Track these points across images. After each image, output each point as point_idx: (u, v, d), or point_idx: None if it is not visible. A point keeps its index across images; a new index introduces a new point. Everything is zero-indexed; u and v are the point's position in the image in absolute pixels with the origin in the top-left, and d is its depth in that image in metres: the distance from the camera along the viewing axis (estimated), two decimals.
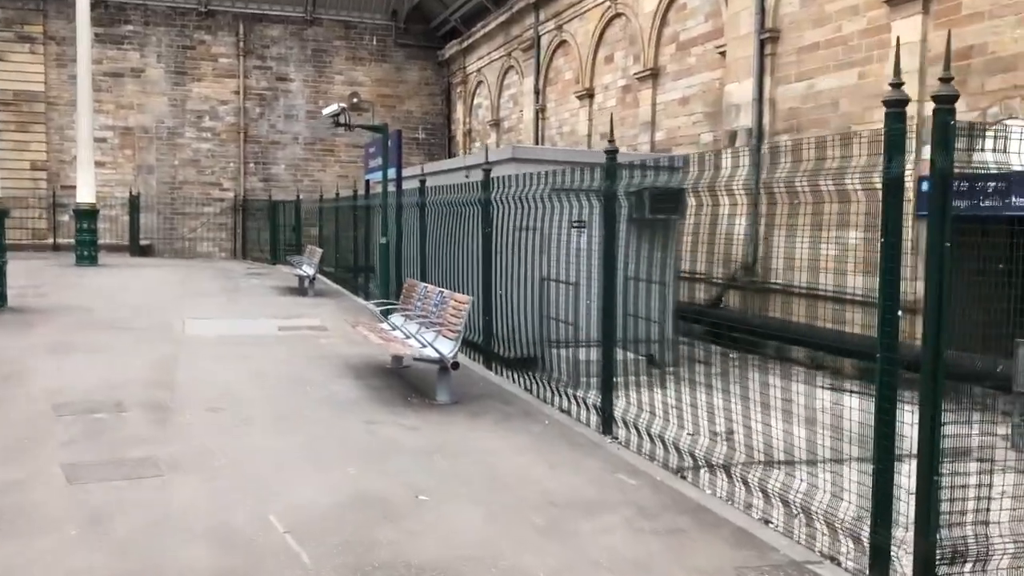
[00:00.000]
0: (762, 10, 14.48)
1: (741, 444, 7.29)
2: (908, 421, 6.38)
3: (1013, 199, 10.06)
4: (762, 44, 14.53)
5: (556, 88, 23.93)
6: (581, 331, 10.87)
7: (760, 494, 5.94)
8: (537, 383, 8.80)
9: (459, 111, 32.43)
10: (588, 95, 21.62)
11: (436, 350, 7.51)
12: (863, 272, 12.02)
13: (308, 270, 19.00)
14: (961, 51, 10.82)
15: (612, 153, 6.38)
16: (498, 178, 9.45)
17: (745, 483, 5.95)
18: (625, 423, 7.09)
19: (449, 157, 31.28)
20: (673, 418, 7.60)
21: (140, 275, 22.63)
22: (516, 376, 9.19)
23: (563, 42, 23.21)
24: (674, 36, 17.80)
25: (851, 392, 9.82)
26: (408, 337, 8.44)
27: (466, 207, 10.11)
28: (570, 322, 10.57)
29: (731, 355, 13.74)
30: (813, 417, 7.63)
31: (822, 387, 9.83)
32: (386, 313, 10.11)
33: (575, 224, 11.17)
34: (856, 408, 7.86)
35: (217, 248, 31.74)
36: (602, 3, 20.71)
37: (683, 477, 6.21)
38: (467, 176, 12.72)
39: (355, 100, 16.53)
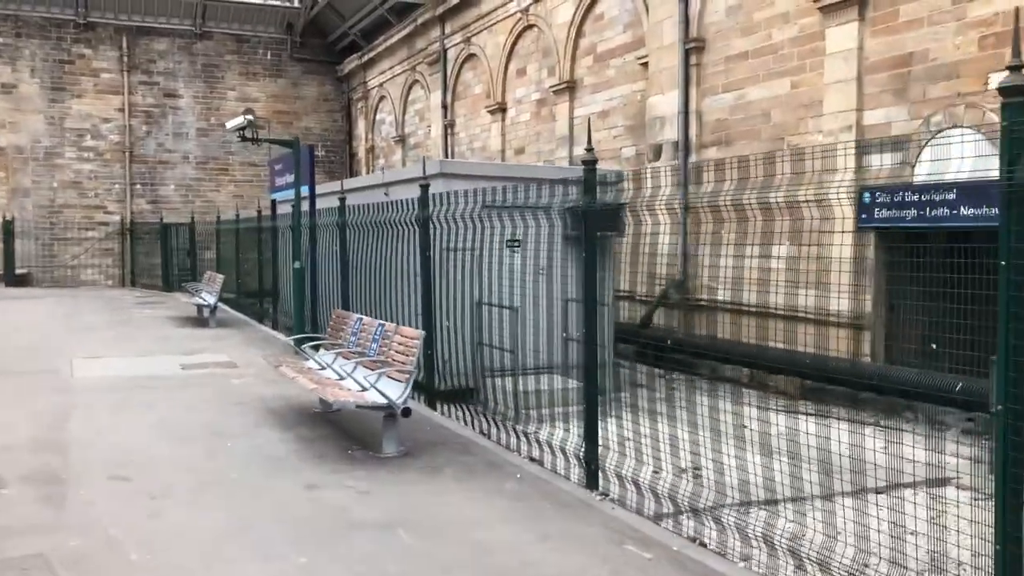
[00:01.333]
0: (686, 19, 14.07)
1: (731, 486, 6.62)
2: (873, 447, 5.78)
3: (962, 210, 9.79)
4: (687, 54, 14.12)
5: (465, 103, 23.17)
6: (523, 357, 10.10)
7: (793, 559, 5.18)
8: (495, 425, 7.92)
9: (361, 127, 31.31)
10: (500, 109, 20.94)
11: (382, 394, 6.52)
12: (814, 288, 11.64)
13: (209, 298, 17.61)
14: (901, 58, 10.56)
15: (592, 164, 5.62)
16: (436, 195, 8.57)
17: (770, 544, 5.18)
18: (617, 475, 6.25)
19: (351, 176, 30.12)
20: (648, 456, 6.87)
21: (17, 308, 20.69)
22: (467, 417, 8.29)
23: (472, 55, 22.48)
24: (591, 48, 17.29)
25: (812, 416, 9.34)
26: (343, 378, 7.43)
27: (399, 227, 9.18)
28: (510, 349, 9.78)
29: (670, 376, 13.21)
30: (797, 450, 7.02)
31: (802, 415, 9.31)
32: (312, 347, 9.06)
33: (509, 243, 10.40)
34: (843, 441, 7.32)
35: (103, 276, 29.64)
36: (513, 15, 20.09)
37: (703, 544, 5.37)
38: (386, 194, 11.79)
39: (249, 117, 15.33)
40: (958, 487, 7.40)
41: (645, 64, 15.28)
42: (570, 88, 17.81)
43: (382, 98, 29.26)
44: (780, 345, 11.98)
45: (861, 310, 11.12)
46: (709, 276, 13.70)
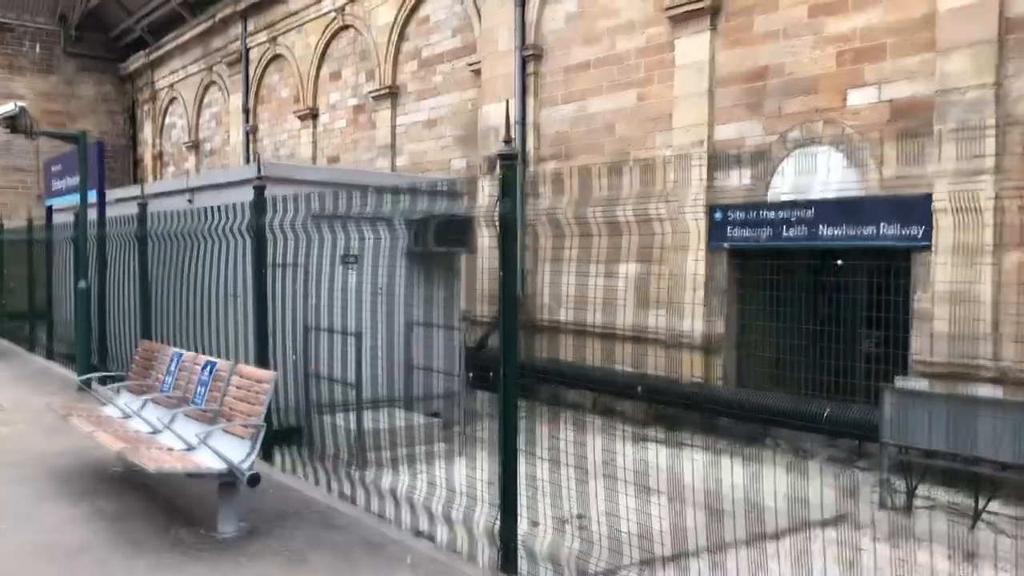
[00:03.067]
0: (523, 25, 13.31)
1: (628, 538, 5.71)
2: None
3: (821, 229, 9.53)
4: (524, 62, 13.35)
5: (270, 107, 21.36)
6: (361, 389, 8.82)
7: None
8: (354, 483, 6.57)
9: (147, 132, 28.48)
10: (311, 115, 19.38)
11: (220, 456, 5.03)
12: (664, 308, 11.10)
13: None
14: (755, 71, 10.24)
15: (511, 159, 4.52)
16: (273, 199, 7.15)
17: None
18: (529, 552, 5.12)
19: (135, 183, 27.23)
20: (523, 507, 5.84)
21: None
22: (322, 475, 6.87)
23: (278, 56, 20.75)
24: (415, 52, 16.20)
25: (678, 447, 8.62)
26: (158, 431, 5.86)
27: (222, 239, 7.65)
28: (350, 382, 8.48)
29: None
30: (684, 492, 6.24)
31: (666, 446, 8.53)
32: (110, 387, 7.31)
33: (345, 259, 9.11)
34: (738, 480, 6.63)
35: None
36: (326, 14, 18.64)
37: None
38: (190, 200, 10.13)
39: (21, 104, 12.95)
40: (855, 525, 6.92)
41: (477, 71, 14.39)
42: (392, 94, 16.62)
43: (173, 100, 26.70)
44: (629, 368, 11.38)
45: (713, 332, 10.69)
46: (550, 295, 12.94)
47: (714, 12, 10.62)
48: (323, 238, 8.38)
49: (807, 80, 9.72)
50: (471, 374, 9.34)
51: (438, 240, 9.50)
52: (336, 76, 18.64)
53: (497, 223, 4.55)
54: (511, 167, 4.59)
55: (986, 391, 7.99)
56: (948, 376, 8.33)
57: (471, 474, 7.75)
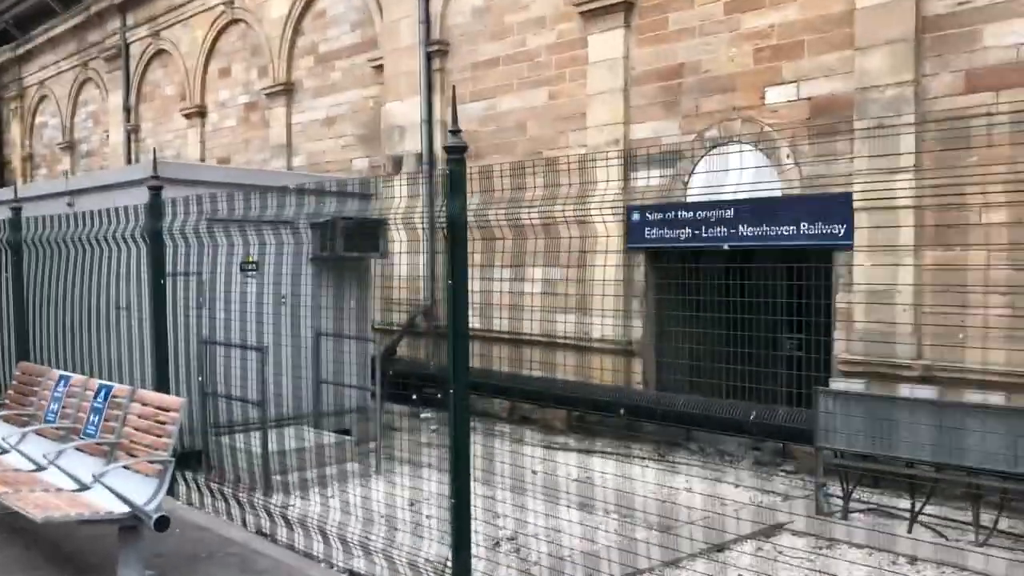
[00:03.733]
0: (427, 19, 12.81)
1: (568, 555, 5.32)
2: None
3: (741, 229, 9.39)
4: (429, 58, 12.86)
5: (154, 105, 20.15)
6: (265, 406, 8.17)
7: None
8: (279, 522, 5.94)
9: (15, 132, 26.57)
10: (199, 113, 18.34)
11: (119, 496, 4.33)
12: (574, 311, 10.77)
13: None
14: (671, 69, 10.04)
15: (459, 151, 4.01)
16: (173, 201, 6.44)
17: None
18: None
19: (2, 187, 25.35)
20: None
21: None
22: (236, 508, 6.20)
23: (162, 51, 19.58)
24: (312, 47, 15.46)
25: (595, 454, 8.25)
26: (42, 468, 5.09)
27: (110, 247, 6.87)
28: (254, 400, 7.83)
29: (423, 414, 11.78)
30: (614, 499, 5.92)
31: (582, 453, 8.12)
32: None
33: (244, 267, 8.46)
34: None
35: None
36: (214, 8, 17.65)
37: None
38: (70, 204, 9.24)
39: None
40: (793, 534, 6.73)
41: (379, 67, 13.80)
42: (287, 91, 15.83)
43: (44, 98, 24.98)
44: (543, 374, 11.02)
45: (631, 335, 10.44)
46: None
47: (627, 8, 10.38)
48: (220, 244, 7.71)
49: (724, 78, 9.57)
50: (379, 389, 8.78)
51: (348, 244, 8.91)
52: (226, 72, 17.68)
53: (444, 224, 4.08)
54: (459, 161, 4.13)
55: (907, 390, 7.99)
56: (871, 375, 8.28)
57: (391, 498, 7.26)
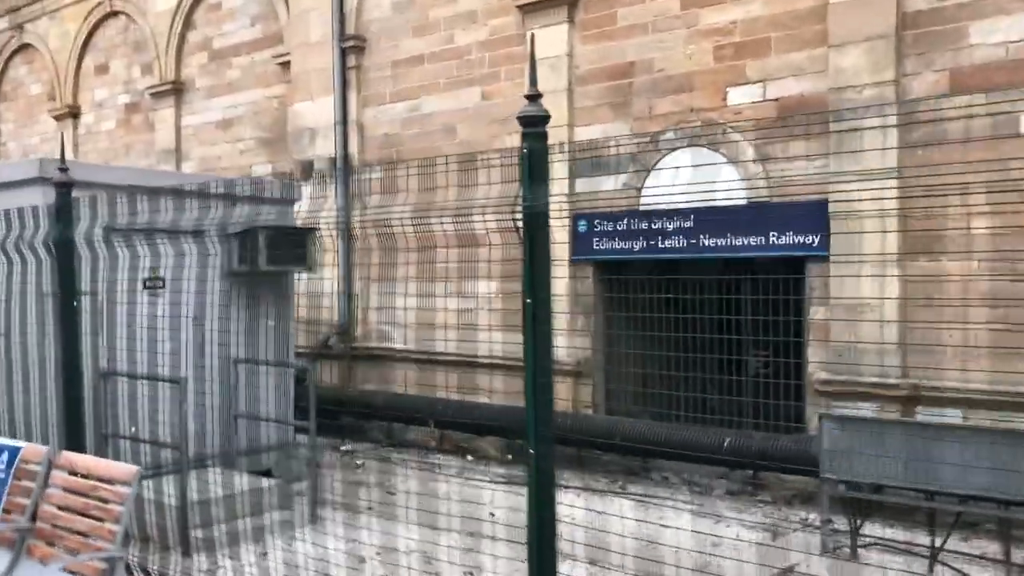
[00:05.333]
0: (341, 13, 11.69)
1: None
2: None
3: (702, 239, 8.70)
4: (344, 54, 11.73)
5: (17, 105, 18.12)
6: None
7: None
8: None
9: None
10: (71, 114, 16.52)
11: None
12: (501, 330, 9.82)
13: None
14: (621, 68, 9.30)
15: (537, 121, 3.00)
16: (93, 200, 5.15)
17: None
18: None
19: None
20: None
21: None
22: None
23: (26, 46, 17.61)
24: (205, 42, 14.04)
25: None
26: None
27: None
28: (171, 443, 6.58)
29: (343, 447, 10.60)
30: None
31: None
32: None
33: (150, 283, 7.20)
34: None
35: None
36: None
37: None
38: None
39: None
40: None
41: (285, 64, 12.57)
42: (176, 91, 14.33)
43: None
44: (483, 399, 10.04)
45: (579, 355, 9.60)
46: (382, 320, 11.36)
47: (571, 3, 9.59)
48: (122, 256, 6.44)
49: (681, 77, 8.89)
50: (313, 422, 7.60)
51: (270, 257, 7.71)
52: (103, 69, 15.96)
53: (520, 222, 3.09)
54: (540, 136, 3.16)
55: (896, 412, 7.45)
56: (851, 396, 7.71)
57: (335, 556, 6.16)
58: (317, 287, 10.80)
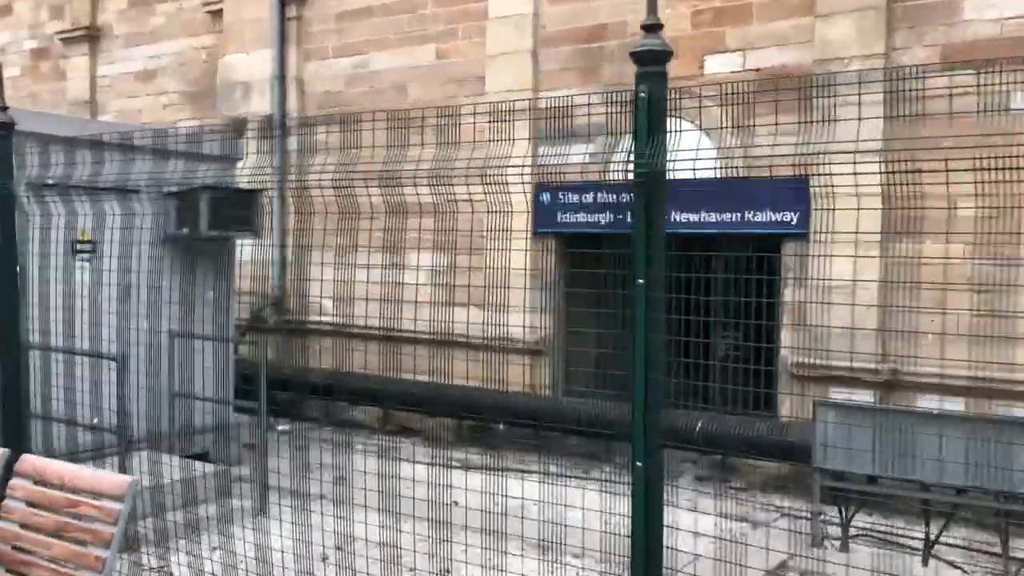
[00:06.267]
0: None
1: None
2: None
3: (673, 214, 8.29)
4: (283, 4, 10.87)
5: None
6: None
7: None
8: None
9: None
10: None
11: None
12: (479, 306, 9.27)
13: None
14: (591, 30, 8.79)
15: (656, 58, 2.43)
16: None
17: None
18: None
19: None
20: None
21: None
22: None
23: None
24: None
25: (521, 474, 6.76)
26: None
27: None
28: (107, 426, 5.86)
29: (280, 427, 9.90)
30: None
31: (512, 475, 6.59)
32: None
33: (78, 248, 6.40)
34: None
35: None
36: None
37: None
38: None
39: None
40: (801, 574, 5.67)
41: (216, 13, 11.60)
42: (91, 38, 13.14)
43: None
44: (430, 379, 9.47)
45: (540, 334, 9.12)
46: (323, 292, 10.61)
47: None
48: (52, 215, 5.64)
49: None
50: (263, 401, 6.92)
51: (213, 221, 6.96)
52: (6, 11, 14.56)
53: (635, 178, 2.56)
54: (659, 77, 2.63)
55: (870, 398, 7.24)
56: (828, 381, 7.46)
57: (304, 548, 5.55)
58: (250, 255, 10.02)
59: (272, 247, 10.70)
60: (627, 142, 8.38)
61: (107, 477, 2.99)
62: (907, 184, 6.42)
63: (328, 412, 10.44)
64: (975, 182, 6.49)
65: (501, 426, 9.34)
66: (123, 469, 5.61)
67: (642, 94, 2.57)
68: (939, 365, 7.02)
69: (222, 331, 7.64)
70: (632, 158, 2.58)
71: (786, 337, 7.84)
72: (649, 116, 2.55)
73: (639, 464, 2.52)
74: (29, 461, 2.98)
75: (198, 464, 6.90)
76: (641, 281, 2.57)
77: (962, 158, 6.23)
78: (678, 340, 7.94)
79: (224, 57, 11.39)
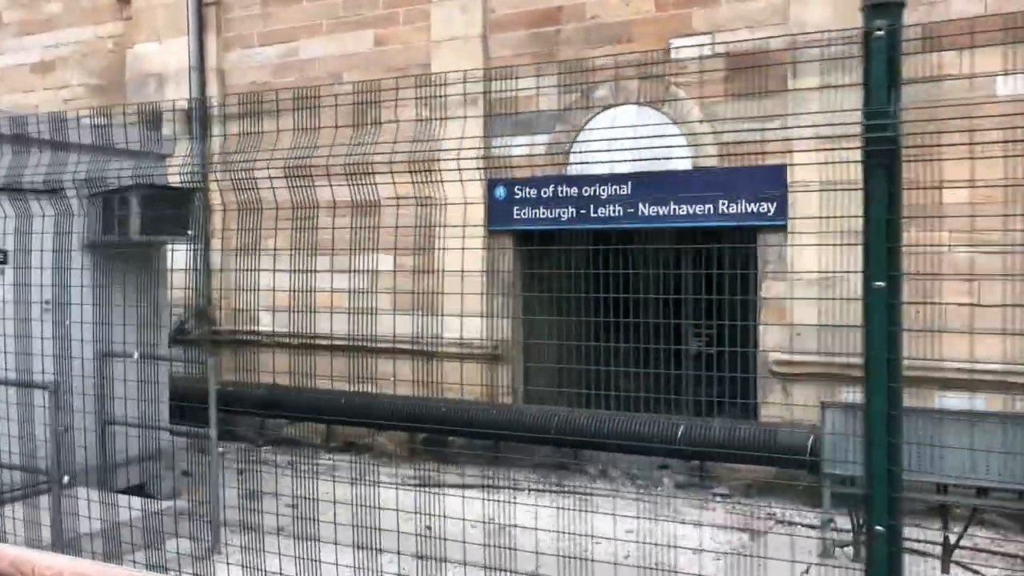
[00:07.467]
0: None
1: None
2: None
3: (641, 208, 7.85)
4: None
5: None
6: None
7: None
8: None
9: None
10: None
11: None
12: (429, 311, 8.61)
13: None
14: (546, 13, 8.27)
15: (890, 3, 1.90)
16: None
17: None
18: None
19: None
20: None
21: None
22: None
23: None
24: None
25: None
26: None
27: None
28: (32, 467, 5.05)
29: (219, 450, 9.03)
30: None
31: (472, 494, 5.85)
32: None
33: None
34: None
35: None
36: None
37: None
38: None
39: None
40: None
41: None
42: None
43: None
44: (381, 390, 8.77)
45: (497, 338, 8.53)
46: (254, 298, 9.77)
47: None
48: None
49: (617, 26, 7.96)
50: (214, 425, 6.12)
51: (146, 224, 6.13)
52: None
53: (871, 145, 1.99)
54: (897, 9, 2.06)
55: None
56: (814, 378, 7.13)
57: None
58: (170, 260, 9.11)
59: (195, 251, 9.81)
60: (587, 132, 7.77)
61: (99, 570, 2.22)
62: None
63: (262, 430, 9.65)
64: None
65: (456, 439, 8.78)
66: (58, 511, 4.78)
67: (879, 31, 2.01)
68: (926, 358, 6.77)
69: (156, 348, 6.78)
70: (863, 118, 2.00)
71: (765, 333, 7.46)
72: (890, 60, 1.99)
73: (880, 529, 1.97)
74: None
75: (138, 500, 6.06)
76: (881, 284, 2.01)
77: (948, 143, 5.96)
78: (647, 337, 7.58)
79: (134, 46, 10.42)
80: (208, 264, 9.92)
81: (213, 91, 9.97)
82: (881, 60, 1.97)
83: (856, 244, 6.36)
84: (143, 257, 6.72)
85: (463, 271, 8.28)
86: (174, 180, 7.61)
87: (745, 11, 7.45)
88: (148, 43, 10.24)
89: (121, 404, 6.28)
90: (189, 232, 6.50)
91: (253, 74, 9.83)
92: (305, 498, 5.19)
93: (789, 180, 7.15)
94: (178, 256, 9.23)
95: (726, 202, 7.50)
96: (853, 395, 6.84)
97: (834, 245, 6.60)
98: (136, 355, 6.14)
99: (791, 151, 6.79)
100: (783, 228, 7.30)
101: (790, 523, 6.65)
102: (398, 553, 4.56)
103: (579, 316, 7.99)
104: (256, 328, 9.69)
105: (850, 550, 5.74)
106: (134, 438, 6.65)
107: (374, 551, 5.26)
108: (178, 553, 5.53)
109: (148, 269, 6.80)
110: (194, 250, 9.33)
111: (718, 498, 7.26)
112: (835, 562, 5.64)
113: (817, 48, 7.03)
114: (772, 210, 7.34)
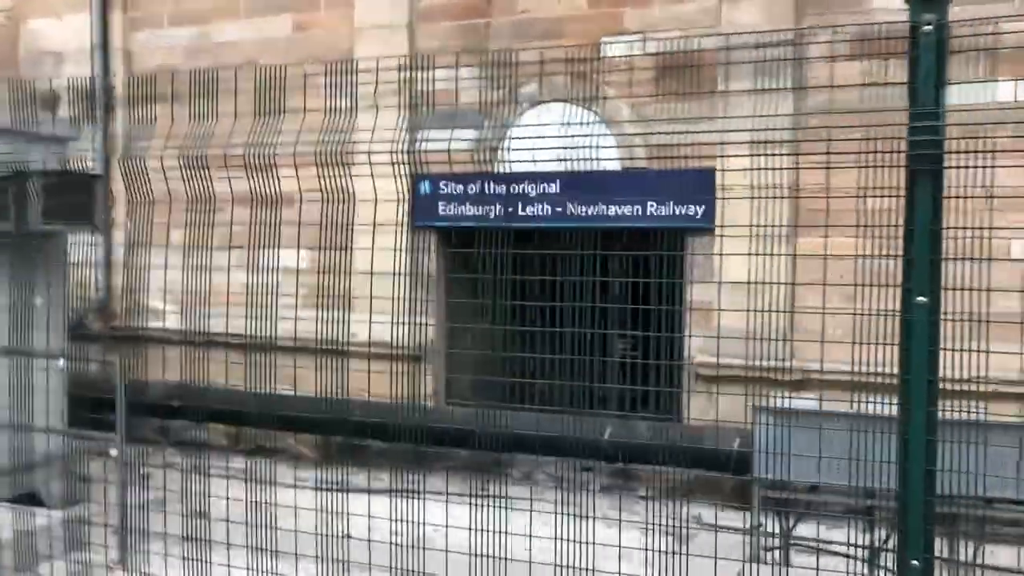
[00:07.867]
0: None
1: None
2: None
3: (569, 207, 7.75)
4: None
5: None
6: None
7: None
8: None
9: None
10: None
11: None
12: (347, 307, 8.30)
13: None
14: (474, 6, 8.08)
15: None
16: None
17: None
18: None
19: None
20: None
21: None
22: None
23: None
24: None
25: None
26: None
27: None
28: None
29: (111, 452, 8.53)
30: None
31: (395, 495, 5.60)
32: None
33: None
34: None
35: None
36: None
37: None
38: None
39: None
40: None
41: None
42: None
43: None
44: (291, 391, 8.41)
45: (418, 337, 8.28)
46: (155, 293, 9.27)
47: None
48: None
49: (548, 22, 7.84)
50: (121, 428, 5.72)
51: (47, 211, 5.68)
52: None
53: (917, 149, 1.84)
54: (943, 3, 1.91)
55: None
56: (737, 380, 7.13)
57: None
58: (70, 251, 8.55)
59: (94, 244, 9.25)
60: (515, 129, 7.61)
61: None
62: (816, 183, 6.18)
63: (165, 431, 9.16)
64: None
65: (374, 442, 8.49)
66: None
67: (927, 26, 1.88)
68: (846, 364, 6.86)
69: (54, 345, 6.30)
70: (909, 120, 1.86)
71: (693, 335, 7.45)
72: (936, 59, 1.86)
73: (915, 563, 1.83)
74: None
75: (37, 510, 5.61)
76: (923, 300, 1.87)
77: (873, 150, 6.02)
78: (570, 341, 7.46)
79: (28, 22, 9.74)
80: (110, 256, 9.37)
81: (119, 74, 9.41)
82: (930, 57, 1.84)
83: (773, 253, 6.29)
84: (45, 247, 6.22)
85: (380, 264, 8.06)
86: (76, 166, 7.12)
87: (678, 12, 7.43)
88: (44, 19, 9.60)
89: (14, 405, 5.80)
90: (92, 220, 6.04)
91: (162, 56, 9.31)
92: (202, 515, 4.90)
93: (718, 183, 7.14)
94: (74, 246, 8.69)
95: (655, 204, 7.46)
96: (783, 400, 6.89)
97: (761, 255, 6.64)
98: (62, 362, 5.70)
99: (724, 155, 6.79)
100: (711, 231, 7.29)
101: (718, 527, 6.63)
102: (296, 556, 4.31)
103: (501, 313, 7.85)
104: (163, 325, 9.21)
105: (778, 554, 5.74)
106: (32, 441, 6.17)
107: (270, 553, 4.97)
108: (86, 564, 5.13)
109: (49, 260, 6.30)
110: (93, 244, 8.80)
111: (639, 500, 7.20)
112: (764, 566, 5.63)
113: (748, 50, 7.06)
114: (700, 213, 7.33)
